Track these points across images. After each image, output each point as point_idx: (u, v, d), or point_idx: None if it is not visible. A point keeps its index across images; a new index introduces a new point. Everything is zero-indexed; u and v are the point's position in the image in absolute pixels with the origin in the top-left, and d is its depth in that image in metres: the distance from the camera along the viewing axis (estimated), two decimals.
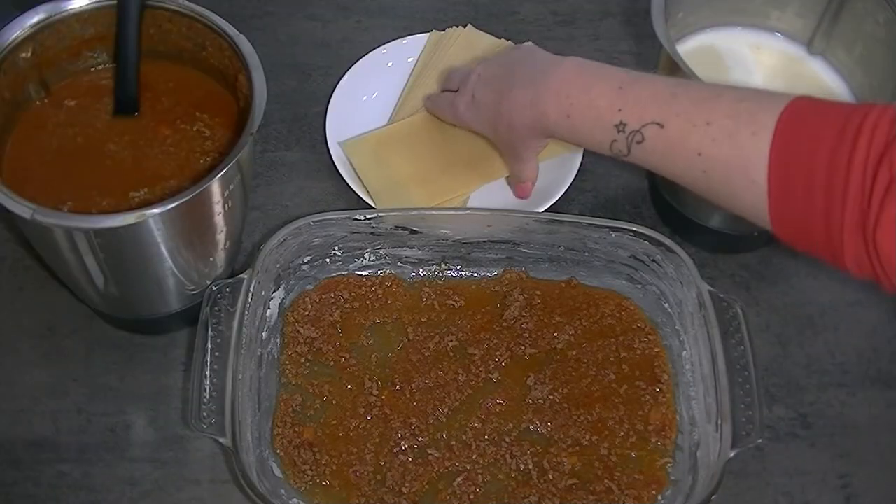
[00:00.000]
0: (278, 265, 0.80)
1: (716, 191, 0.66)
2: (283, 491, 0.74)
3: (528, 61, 0.78)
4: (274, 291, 0.81)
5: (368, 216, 0.81)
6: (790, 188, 0.61)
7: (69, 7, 0.76)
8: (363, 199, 0.88)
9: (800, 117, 0.62)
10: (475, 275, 0.86)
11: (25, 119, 0.78)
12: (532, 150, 0.82)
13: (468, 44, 0.99)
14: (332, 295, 0.83)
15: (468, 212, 0.86)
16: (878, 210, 0.57)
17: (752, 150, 0.62)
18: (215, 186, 0.69)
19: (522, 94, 0.76)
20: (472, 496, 0.75)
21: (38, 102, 0.79)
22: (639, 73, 0.71)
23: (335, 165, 0.90)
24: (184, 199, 0.67)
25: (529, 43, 0.84)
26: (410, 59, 0.99)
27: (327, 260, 0.84)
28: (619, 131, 0.69)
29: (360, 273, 0.85)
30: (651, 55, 0.85)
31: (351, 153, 0.90)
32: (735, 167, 0.63)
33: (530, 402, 0.79)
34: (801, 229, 0.63)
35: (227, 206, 0.73)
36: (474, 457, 0.77)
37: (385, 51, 0.98)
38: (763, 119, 0.62)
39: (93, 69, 0.81)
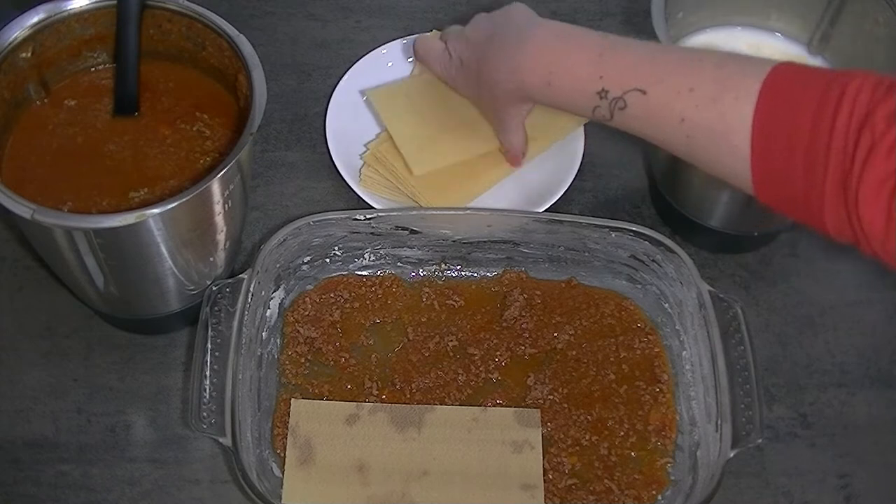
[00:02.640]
0: (278, 265, 0.80)
1: (698, 156, 0.67)
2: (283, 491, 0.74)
3: (507, 24, 0.77)
4: (274, 291, 0.81)
5: (368, 216, 0.81)
6: (772, 151, 0.62)
7: (69, 7, 0.76)
8: (363, 199, 0.88)
9: (783, 83, 0.62)
10: (475, 275, 0.86)
11: (25, 119, 0.78)
12: (515, 117, 0.82)
13: None
14: (332, 295, 0.83)
15: (468, 212, 0.86)
16: (860, 173, 0.58)
17: (735, 115, 0.63)
18: (215, 186, 0.69)
19: (501, 61, 0.75)
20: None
21: (38, 102, 0.79)
22: (618, 37, 0.71)
23: (335, 165, 0.90)
24: (184, 199, 0.67)
25: (517, 3, 0.81)
26: (410, 59, 0.98)
27: (327, 260, 0.84)
28: (601, 98, 0.69)
29: (360, 273, 0.85)
30: None
31: (377, 101, 0.89)
32: (718, 133, 0.64)
33: (530, 402, 0.79)
34: (783, 192, 0.63)
35: (227, 206, 0.73)
36: None
37: (385, 51, 0.98)
38: (746, 84, 0.63)
39: (93, 69, 0.81)
